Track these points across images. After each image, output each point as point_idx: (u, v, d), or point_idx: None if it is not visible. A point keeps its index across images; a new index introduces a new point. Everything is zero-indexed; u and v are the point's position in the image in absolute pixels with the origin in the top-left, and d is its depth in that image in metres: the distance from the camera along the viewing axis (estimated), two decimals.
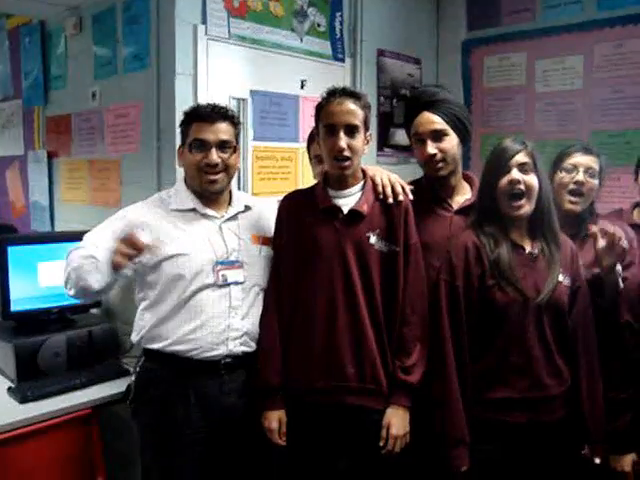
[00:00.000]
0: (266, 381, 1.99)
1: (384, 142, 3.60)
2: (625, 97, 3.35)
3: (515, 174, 1.91)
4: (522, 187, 1.91)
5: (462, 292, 1.91)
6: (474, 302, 1.91)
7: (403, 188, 2.02)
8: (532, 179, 1.93)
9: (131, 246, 1.76)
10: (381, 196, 1.99)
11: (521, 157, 1.93)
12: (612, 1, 3.39)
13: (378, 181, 2.02)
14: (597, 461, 1.98)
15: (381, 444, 1.92)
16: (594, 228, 2.04)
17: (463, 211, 2.12)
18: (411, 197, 2.02)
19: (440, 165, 2.09)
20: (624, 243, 1.99)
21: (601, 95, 3.42)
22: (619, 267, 2.03)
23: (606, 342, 2.03)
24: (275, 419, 1.98)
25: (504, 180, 1.92)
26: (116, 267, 1.79)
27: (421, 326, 1.97)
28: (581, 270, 2.03)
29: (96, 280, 1.85)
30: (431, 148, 2.07)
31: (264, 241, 2.13)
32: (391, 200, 1.98)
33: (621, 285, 2.04)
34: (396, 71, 3.71)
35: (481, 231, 1.96)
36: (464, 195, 2.18)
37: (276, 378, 1.99)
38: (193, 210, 2.06)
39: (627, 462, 2.01)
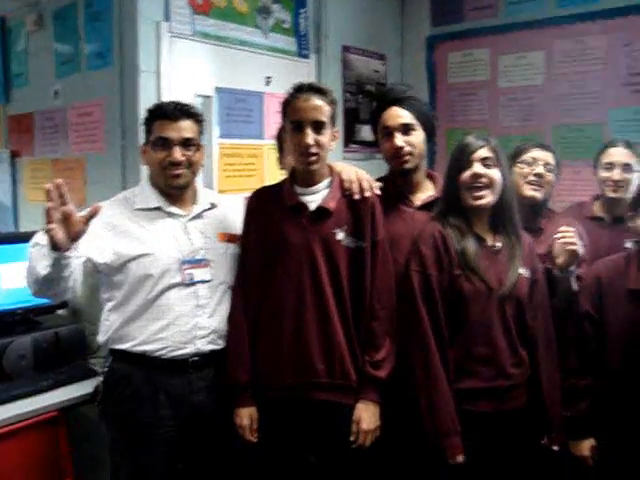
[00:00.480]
0: (235, 379, 1.99)
1: (350, 138, 3.62)
2: (585, 92, 3.42)
3: (477, 168, 1.95)
4: (484, 180, 1.95)
5: (435, 280, 1.93)
6: (446, 291, 1.94)
7: (370, 184, 2.04)
8: (495, 173, 1.96)
9: (58, 199, 1.65)
10: (348, 192, 2.00)
11: (484, 152, 1.97)
12: None
13: (345, 177, 2.03)
14: (555, 448, 2.02)
15: (352, 439, 1.94)
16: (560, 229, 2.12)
17: (426, 207, 2.15)
18: (378, 192, 2.03)
19: (407, 158, 2.11)
20: (580, 248, 2.07)
21: (562, 90, 3.49)
22: (573, 267, 2.11)
23: (565, 332, 2.09)
24: (246, 416, 1.98)
25: (466, 174, 1.96)
26: (54, 242, 1.67)
27: (390, 321, 1.99)
28: (538, 263, 2.08)
29: (43, 267, 1.75)
30: (400, 140, 2.10)
31: (231, 239, 2.12)
32: (358, 196, 1.99)
33: (574, 286, 2.12)
34: (361, 67, 3.72)
35: (446, 222, 1.99)
36: (427, 192, 2.21)
37: (245, 375, 1.99)
38: (158, 209, 2.05)
39: (585, 447, 2.06)
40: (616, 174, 2.50)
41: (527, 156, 2.34)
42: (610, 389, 2.03)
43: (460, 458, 1.87)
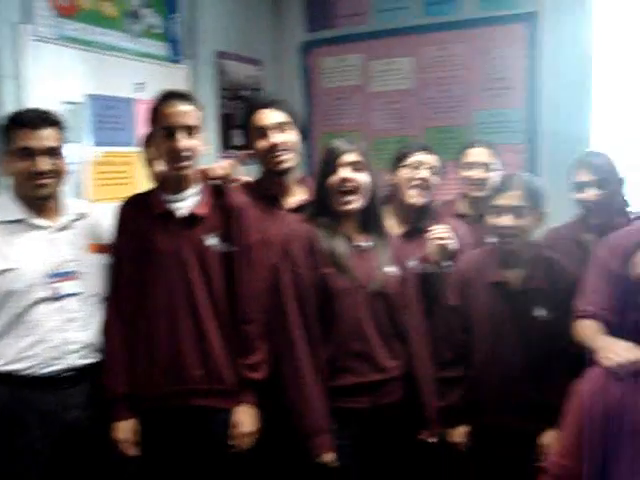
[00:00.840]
0: (112, 391, 1.94)
1: (226, 144, 3.61)
2: (451, 96, 3.61)
3: (344, 172, 1.99)
4: (352, 185, 2.00)
5: (305, 279, 1.96)
6: (317, 289, 1.97)
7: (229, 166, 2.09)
8: (362, 177, 2.01)
9: None
10: (209, 182, 2.02)
11: (351, 156, 2.02)
12: (436, 8, 3.65)
13: (210, 174, 2.06)
14: (433, 440, 2.10)
15: (231, 443, 1.94)
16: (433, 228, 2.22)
17: (298, 210, 2.18)
18: (246, 179, 2.05)
19: (283, 157, 2.15)
20: (453, 244, 2.18)
21: (430, 94, 3.66)
22: (446, 262, 2.22)
23: (436, 325, 2.19)
24: (124, 429, 1.94)
25: (335, 178, 2.00)
26: None
27: (263, 323, 2.01)
28: (408, 261, 2.17)
29: None
30: (276, 137, 2.14)
31: (102, 249, 2.06)
32: (217, 180, 2.01)
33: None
34: (237, 73, 3.72)
35: (317, 224, 2.03)
36: (298, 196, 2.25)
37: (122, 387, 1.95)
38: (21, 221, 1.96)
39: (459, 434, 2.16)
40: (476, 173, 2.64)
41: (412, 160, 2.35)
42: (478, 377, 2.14)
43: (330, 457, 1.89)
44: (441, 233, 2.20)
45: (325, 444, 1.89)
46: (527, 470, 1.94)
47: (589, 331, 1.80)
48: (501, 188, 2.11)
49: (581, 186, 2.34)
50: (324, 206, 2.04)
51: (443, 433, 2.16)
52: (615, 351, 1.51)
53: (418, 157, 2.36)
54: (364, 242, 2.05)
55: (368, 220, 2.07)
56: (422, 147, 2.41)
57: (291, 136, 2.18)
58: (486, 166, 2.66)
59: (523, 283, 2.11)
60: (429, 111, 3.67)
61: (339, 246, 1.99)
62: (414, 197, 2.35)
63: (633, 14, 3.32)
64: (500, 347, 2.12)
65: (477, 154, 2.70)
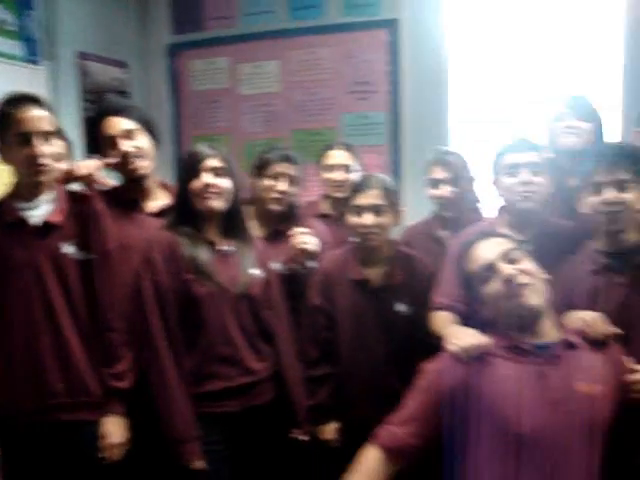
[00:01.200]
0: None
1: (90, 148, 3.48)
2: (318, 99, 3.69)
3: (206, 178, 1.99)
4: (215, 190, 1.99)
5: (166, 286, 1.93)
6: (179, 296, 1.95)
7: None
8: (225, 182, 2.01)
9: None
10: (69, 185, 1.98)
11: (214, 161, 2.01)
12: (302, 12, 3.71)
13: (74, 172, 2.03)
14: (304, 438, 2.14)
15: (101, 455, 1.88)
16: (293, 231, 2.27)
17: (160, 215, 2.15)
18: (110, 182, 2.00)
19: (136, 164, 2.11)
20: (314, 247, 2.23)
21: (298, 97, 3.72)
22: (311, 263, 2.27)
23: (302, 325, 2.22)
24: None
25: (196, 183, 1.99)
26: None
27: (127, 331, 1.96)
28: (270, 264, 2.19)
29: None
30: (125, 146, 2.09)
31: None
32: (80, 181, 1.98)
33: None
34: (101, 75, 3.61)
35: (178, 230, 2.01)
36: (160, 200, 2.21)
37: None
38: None
39: (330, 430, 2.20)
40: (337, 175, 2.71)
41: (271, 171, 2.36)
42: (345, 374, 2.19)
43: (199, 464, 1.88)
44: (301, 237, 2.24)
45: (194, 451, 1.88)
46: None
47: (442, 322, 1.91)
48: (360, 188, 2.16)
49: (436, 183, 2.44)
50: (185, 210, 2.02)
51: (314, 431, 2.19)
52: (460, 337, 1.60)
53: (277, 168, 2.37)
54: (227, 246, 2.05)
55: (231, 224, 2.07)
56: (282, 157, 2.39)
57: (141, 142, 2.14)
58: (346, 167, 2.73)
59: (383, 280, 2.17)
60: (296, 114, 3.73)
61: (201, 251, 1.98)
62: (272, 205, 2.37)
63: (485, 18, 3.55)
64: (364, 343, 2.17)
65: (337, 156, 2.76)
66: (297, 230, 2.26)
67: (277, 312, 2.14)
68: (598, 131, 2.37)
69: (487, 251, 1.61)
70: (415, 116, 3.57)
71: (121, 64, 3.80)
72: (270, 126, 3.78)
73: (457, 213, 2.41)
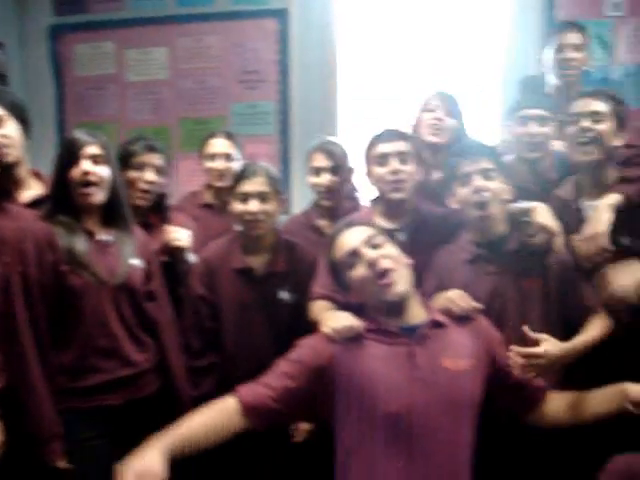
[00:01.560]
0: None
1: None
2: (207, 87, 3.65)
3: (85, 165, 1.94)
4: (94, 178, 1.95)
5: (36, 279, 1.87)
6: (50, 290, 1.89)
7: None
8: (103, 170, 1.97)
9: None
10: None
11: (92, 149, 1.96)
12: None
13: None
14: None
15: None
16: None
17: (34, 205, 2.07)
18: None
19: (3, 152, 2.01)
20: (186, 242, 2.27)
21: (186, 85, 3.68)
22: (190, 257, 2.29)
23: (185, 315, 2.22)
24: None
25: (75, 171, 1.94)
26: None
27: None
28: (154, 255, 2.17)
29: None
30: None
31: None
32: None
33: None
34: None
35: (55, 220, 1.95)
36: (32, 190, 2.13)
37: None
38: None
39: None
40: (218, 164, 2.70)
41: (135, 161, 2.32)
42: (230, 363, 2.20)
43: (62, 463, 1.84)
44: (172, 234, 2.25)
45: (56, 450, 1.84)
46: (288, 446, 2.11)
47: (319, 310, 1.95)
48: (245, 175, 2.17)
49: (317, 171, 2.47)
50: (63, 200, 1.96)
51: None
52: (334, 320, 1.65)
53: (143, 159, 2.33)
54: (106, 236, 2.01)
55: (111, 213, 2.03)
56: (147, 148, 2.36)
57: (9, 130, 2.03)
58: (227, 156, 2.72)
59: (266, 268, 2.20)
60: (184, 102, 3.67)
61: (78, 242, 1.93)
62: (139, 199, 2.33)
63: (373, 8, 3.64)
64: (248, 331, 2.19)
65: (218, 145, 2.74)
66: (167, 228, 2.26)
67: (159, 303, 2.12)
68: (462, 129, 2.49)
69: (351, 238, 1.66)
70: (304, 106, 3.61)
71: None
72: (157, 114, 3.70)
73: (336, 202, 2.45)
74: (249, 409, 1.55)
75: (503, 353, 1.68)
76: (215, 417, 1.56)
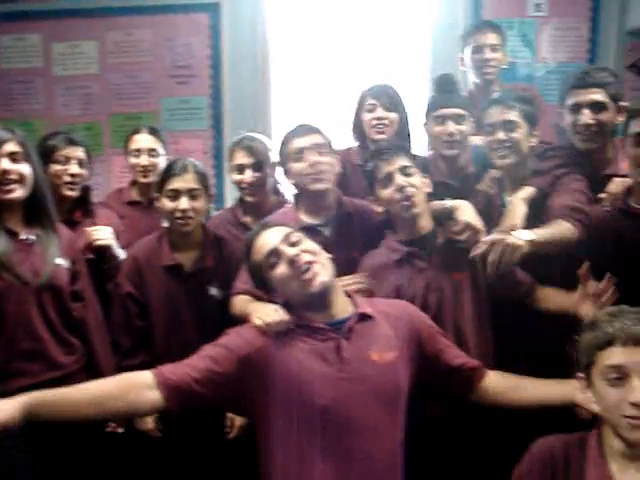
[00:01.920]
0: None
1: None
2: (137, 82, 3.62)
3: (4, 164, 1.89)
4: (14, 177, 1.90)
5: None
6: None
7: None
8: (23, 168, 1.93)
9: None
10: None
11: (10, 146, 1.91)
12: None
13: None
14: (120, 430, 2.16)
15: None
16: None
17: None
18: None
19: None
20: (109, 241, 2.28)
21: (116, 80, 3.63)
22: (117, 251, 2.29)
23: (113, 313, 2.21)
24: None
25: None
26: None
27: None
28: (79, 254, 2.14)
29: None
30: None
31: None
32: None
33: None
34: None
35: None
36: None
37: None
38: None
39: (149, 420, 2.18)
40: (143, 160, 2.68)
41: (59, 155, 2.33)
42: (157, 363, 2.17)
43: None
44: (95, 234, 2.25)
45: None
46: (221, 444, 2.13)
47: (240, 303, 1.95)
48: (173, 172, 2.16)
49: (239, 168, 2.47)
50: None
51: (134, 422, 2.18)
52: (265, 312, 1.64)
53: (65, 152, 2.34)
54: (30, 235, 1.97)
55: (33, 212, 1.99)
56: (68, 141, 2.37)
57: None
58: (152, 152, 2.70)
59: (195, 264, 2.20)
60: (114, 97, 3.62)
61: (1, 243, 1.88)
62: (67, 191, 2.34)
63: (303, 3, 3.65)
64: (178, 328, 2.18)
65: (142, 140, 2.72)
66: (89, 229, 2.25)
67: (87, 303, 2.10)
68: (404, 120, 2.52)
69: (269, 239, 1.66)
70: (237, 100, 3.60)
71: None
72: (87, 109, 3.63)
73: (260, 198, 2.46)
74: (166, 386, 1.52)
75: (433, 339, 1.71)
76: (120, 387, 1.53)
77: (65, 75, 3.65)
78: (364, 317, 1.64)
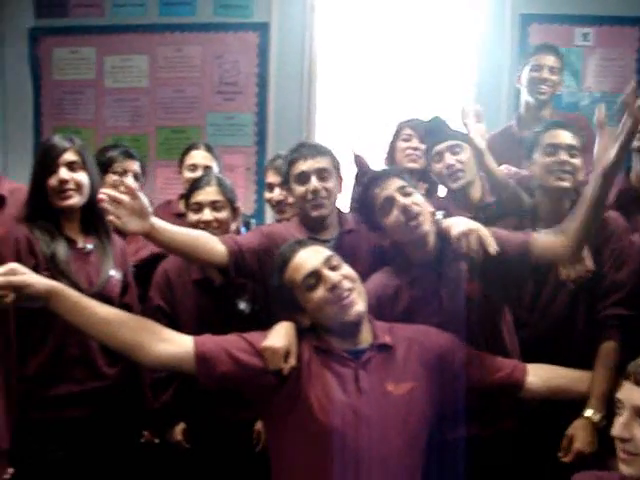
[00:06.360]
0: None
1: None
2: (185, 97, 3.69)
3: (63, 174, 1.93)
4: (71, 185, 1.94)
5: None
6: None
7: None
8: (81, 177, 1.97)
9: None
10: None
11: (69, 155, 1.96)
12: (171, 9, 3.71)
13: None
14: (156, 441, 2.17)
15: None
16: None
17: None
18: None
19: None
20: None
21: (164, 94, 3.71)
22: None
23: None
24: None
25: (53, 180, 1.93)
26: None
27: None
28: (129, 266, 2.17)
29: None
30: None
31: None
32: None
33: None
34: None
35: (35, 226, 1.94)
36: None
37: None
38: None
39: (177, 433, 2.19)
40: (199, 175, 2.71)
41: (118, 167, 2.41)
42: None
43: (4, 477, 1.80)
44: None
45: None
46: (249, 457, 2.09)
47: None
48: (197, 186, 2.19)
49: (269, 186, 2.53)
50: (43, 206, 1.95)
51: (163, 434, 2.19)
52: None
53: (123, 164, 2.42)
54: (86, 244, 2.01)
55: (90, 221, 2.02)
56: (126, 154, 2.45)
57: None
58: (207, 168, 2.73)
59: (225, 278, 2.17)
60: (162, 111, 3.71)
61: (60, 250, 1.91)
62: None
63: (353, 23, 3.72)
64: None
65: (200, 156, 2.77)
66: None
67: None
68: None
69: (308, 259, 1.62)
70: (281, 118, 3.66)
71: None
72: (134, 121, 3.73)
73: (287, 216, 2.46)
74: (203, 358, 1.54)
75: (460, 360, 1.66)
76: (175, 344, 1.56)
77: (115, 87, 3.75)
78: (383, 347, 1.61)
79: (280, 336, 1.61)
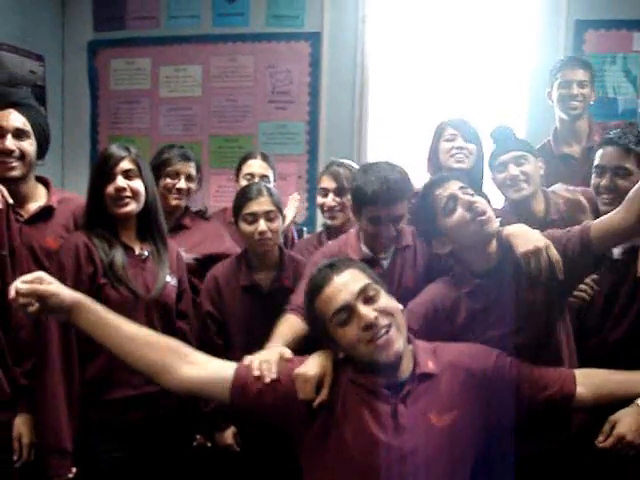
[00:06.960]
0: None
1: None
2: (237, 106, 3.73)
3: (120, 182, 1.96)
4: (127, 193, 1.98)
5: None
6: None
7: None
8: (137, 184, 2.00)
9: None
10: None
11: (125, 164, 1.99)
12: (224, 19, 3.76)
13: None
14: (208, 445, 2.18)
15: (15, 457, 1.84)
16: None
17: (39, 217, 2.05)
18: (10, 201, 1.93)
19: (14, 164, 1.98)
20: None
21: (217, 103, 3.76)
22: None
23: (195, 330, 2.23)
24: None
25: (110, 188, 1.96)
26: None
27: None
28: (184, 272, 2.20)
29: None
30: (9, 143, 1.96)
31: None
32: None
33: None
34: (15, 66, 3.52)
35: (93, 234, 1.98)
36: (38, 201, 2.10)
37: None
38: None
39: (228, 436, 2.19)
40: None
41: (171, 169, 2.45)
42: None
43: (69, 477, 1.82)
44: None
45: (61, 466, 1.81)
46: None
47: (282, 326, 1.89)
48: (250, 196, 2.18)
49: (323, 192, 2.52)
50: (100, 214, 1.99)
51: (214, 438, 2.19)
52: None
53: (177, 167, 2.47)
54: (143, 251, 2.04)
55: (146, 228, 2.06)
56: (182, 156, 2.49)
57: (27, 145, 2.00)
58: (264, 178, 2.75)
59: (273, 284, 2.21)
60: (215, 119, 3.76)
61: (117, 256, 1.95)
62: (174, 201, 2.47)
63: (404, 34, 3.71)
64: (256, 348, 2.16)
65: (257, 166, 2.78)
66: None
67: (189, 321, 2.16)
68: (480, 154, 2.51)
69: (341, 290, 1.49)
70: (333, 127, 3.67)
71: (38, 57, 3.71)
72: (188, 130, 3.79)
73: (340, 222, 2.48)
74: (239, 378, 1.52)
75: (514, 380, 1.55)
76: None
77: (170, 97, 3.82)
78: (425, 376, 1.51)
79: (315, 365, 1.53)
